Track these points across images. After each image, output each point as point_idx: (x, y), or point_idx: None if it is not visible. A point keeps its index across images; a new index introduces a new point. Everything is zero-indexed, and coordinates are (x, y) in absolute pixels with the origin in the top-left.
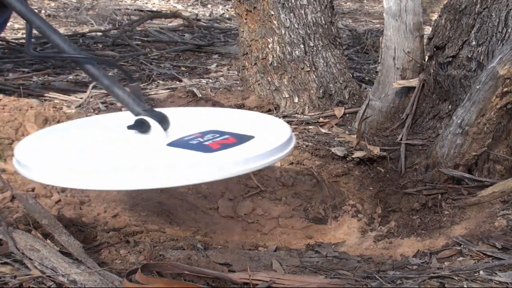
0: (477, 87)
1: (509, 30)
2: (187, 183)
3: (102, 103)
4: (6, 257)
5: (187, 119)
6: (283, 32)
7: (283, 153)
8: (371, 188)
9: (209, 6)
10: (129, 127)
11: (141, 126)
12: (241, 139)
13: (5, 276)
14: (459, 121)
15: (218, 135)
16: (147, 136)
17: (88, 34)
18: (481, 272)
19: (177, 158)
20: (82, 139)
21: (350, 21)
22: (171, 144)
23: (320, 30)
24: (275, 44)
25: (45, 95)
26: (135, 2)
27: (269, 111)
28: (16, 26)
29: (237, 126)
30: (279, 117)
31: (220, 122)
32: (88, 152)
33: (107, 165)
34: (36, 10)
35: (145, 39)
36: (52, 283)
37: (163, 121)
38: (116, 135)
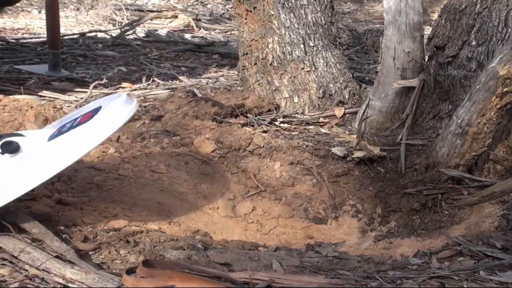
0: (477, 87)
1: (509, 30)
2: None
3: None
4: (2, 259)
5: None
6: (283, 32)
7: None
8: (371, 188)
9: (209, 6)
10: None
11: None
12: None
13: (3, 277)
14: (459, 121)
15: (72, 120)
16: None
17: (88, 34)
18: (481, 272)
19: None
20: None
21: (350, 21)
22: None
23: (320, 30)
24: (275, 44)
25: (45, 95)
26: (135, 1)
27: (269, 111)
28: (17, 26)
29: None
30: (279, 117)
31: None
32: None
33: None
34: (36, 10)
35: (145, 39)
36: (49, 284)
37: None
38: None
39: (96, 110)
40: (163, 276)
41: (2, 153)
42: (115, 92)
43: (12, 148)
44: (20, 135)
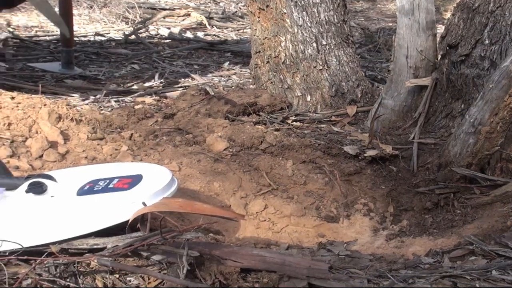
0: (490, 86)
1: None
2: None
3: (116, 101)
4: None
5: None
6: (295, 30)
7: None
8: (383, 187)
9: (221, 4)
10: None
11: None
12: (133, 177)
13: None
14: (472, 120)
15: (108, 180)
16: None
17: (101, 32)
18: (493, 271)
19: (107, 202)
20: None
21: (363, 19)
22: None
23: (333, 28)
24: (287, 42)
25: (59, 92)
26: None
27: (281, 110)
28: (30, 24)
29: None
30: (291, 116)
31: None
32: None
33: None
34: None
35: (158, 36)
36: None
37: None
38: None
39: (136, 179)
40: (175, 205)
41: (27, 191)
42: (127, 91)
43: (39, 190)
44: (50, 177)
